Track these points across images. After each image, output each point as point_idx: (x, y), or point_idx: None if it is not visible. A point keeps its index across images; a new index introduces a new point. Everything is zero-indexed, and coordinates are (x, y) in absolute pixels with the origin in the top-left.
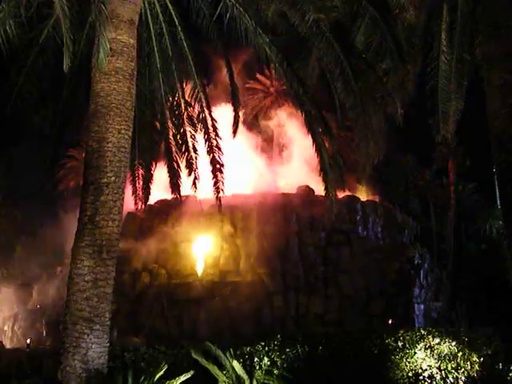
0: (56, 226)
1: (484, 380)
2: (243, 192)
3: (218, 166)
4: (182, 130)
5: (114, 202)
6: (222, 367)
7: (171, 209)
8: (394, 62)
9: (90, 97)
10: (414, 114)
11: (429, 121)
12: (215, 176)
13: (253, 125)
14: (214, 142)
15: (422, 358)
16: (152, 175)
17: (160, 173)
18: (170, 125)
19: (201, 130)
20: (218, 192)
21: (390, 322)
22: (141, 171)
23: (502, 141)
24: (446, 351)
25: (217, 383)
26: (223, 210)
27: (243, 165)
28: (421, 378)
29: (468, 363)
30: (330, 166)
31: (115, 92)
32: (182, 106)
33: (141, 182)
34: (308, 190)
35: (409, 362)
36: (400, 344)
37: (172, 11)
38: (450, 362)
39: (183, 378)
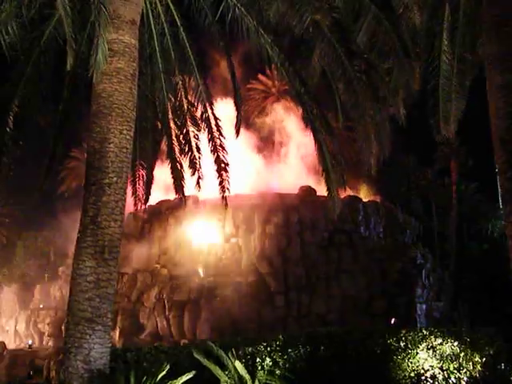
0: (58, 227)
1: (486, 380)
2: (242, 192)
3: (222, 165)
4: (184, 130)
5: (116, 202)
6: (223, 367)
7: (173, 209)
8: (399, 60)
9: (91, 97)
10: (416, 113)
11: (430, 121)
12: (220, 175)
13: (252, 124)
14: (218, 142)
15: (424, 359)
16: (153, 176)
17: (159, 173)
18: (173, 125)
19: (204, 130)
20: (224, 191)
21: (392, 321)
22: (141, 172)
23: (504, 141)
24: (448, 351)
25: (219, 383)
26: (226, 210)
27: (242, 164)
28: (423, 378)
29: (470, 363)
30: (332, 166)
31: (117, 93)
32: (185, 105)
33: (141, 183)
34: (310, 190)
35: (411, 363)
36: (402, 344)
37: (174, 11)
38: (453, 362)
39: (185, 378)
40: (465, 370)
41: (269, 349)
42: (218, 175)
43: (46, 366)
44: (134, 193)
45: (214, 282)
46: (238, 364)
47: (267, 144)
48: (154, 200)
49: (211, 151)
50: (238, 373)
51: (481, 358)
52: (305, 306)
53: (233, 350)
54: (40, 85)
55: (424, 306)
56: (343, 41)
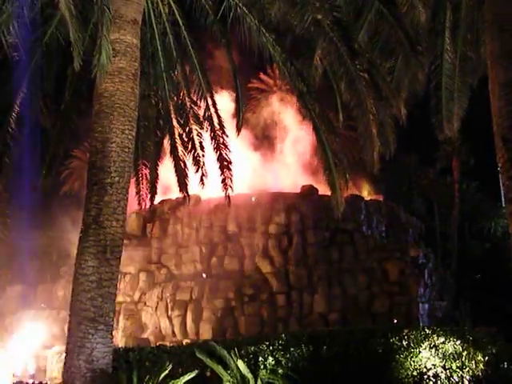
0: (60, 226)
1: (489, 379)
2: (241, 191)
3: (225, 163)
4: (187, 129)
5: (118, 202)
6: (226, 367)
7: (175, 208)
8: (405, 55)
9: (93, 97)
10: (418, 112)
11: (432, 120)
12: (223, 173)
13: (251, 123)
14: (221, 140)
15: (427, 357)
16: (157, 175)
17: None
18: (176, 124)
19: (207, 128)
20: (226, 189)
21: (395, 321)
22: (145, 171)
23: (507, 139)
24: (450, 350)
25: (221, 383)
26: (227, 210)
27: (241, 163)
28: (425, 377)
29: (473, 362)
30: (335, 165)
31: (119, 92)
32: (187, 104)
33: (145, 182)
34: (311, 189)
35: (413, 361)
36: (404, 343)
37: (175, 10)
38: (455, 361)
39: (188, 377)
40: (467, 368)
41: (271, 348)
42: (220, 173)
43: (48, 365)
44: (138, 192)
45: (216, 281)
46: (240, 363)
47: (265, 141)
48: (155, 199)
49: (214, 149)
50: (240, 372)
51: (483, 357)
52: (307, 305)
53: (235, 349)
54: (42, 85)
55: (426, 306)
56: (345, 39)
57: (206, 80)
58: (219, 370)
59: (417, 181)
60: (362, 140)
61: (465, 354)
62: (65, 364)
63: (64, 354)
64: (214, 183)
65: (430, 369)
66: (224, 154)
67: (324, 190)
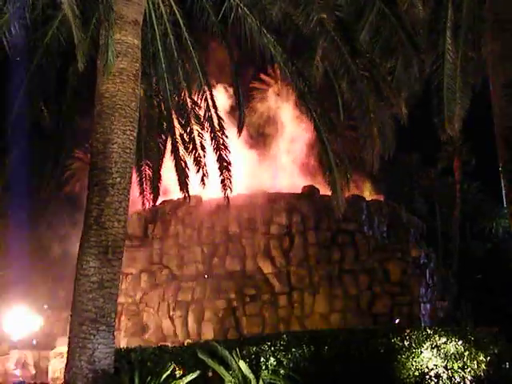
0: (61, 227)
1: (491, 379)
2: (242, 191)
3: (225, 164)
4: (188, 129)
5: (120, 202)
6: (228, 367)
7: (176, 209)
8: (405, 54)
9: (95, 98)
10: (419, 112)
11: (434, 120)
12: (222, 174)
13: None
14: (221, 140)
15: (429, 358)
16: (160, 175)
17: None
18: (177, 124)
19: (207, 129)
20: (226, 190)
21: (396, 321)
22: (148, 171)
23: (508, 139)
24: (452, 350)
25: (223, 383)
26: (229, 210)
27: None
28: (427, 377)
29: (475, 362)
30: (336, 165)
31: (120, 93)
32: (189, 104)
33: (148, 182)
34: (313, 190)
35: (415, 362)
36: (406, 343)
37: (176, 11)
38: (457, 361)
39: (189, 377)
40: (469, 368)
41: (273, 348)
42: (220, 174)
43: (50, 365)
44: (142, 192)
45: (217, 282)
46: (242, 364)
47: (263, 141)
48: (158, 200)
49: (214, 150)
50: (242, 372)
51: (485, 357)
52: (308, 305)
53: (237, 349)
54: (42, 85)
55: (428, 306)
56: (346, 39)
57: (206, 80)
58: (221, 370)
59: (418, 181)
60: (363, 140)
61: (466, 354)
62: (66, 364)
63: (65, 355)
64: (215, 183)
65: (432, 369)
66: (224, 155)
67: (323, 189)
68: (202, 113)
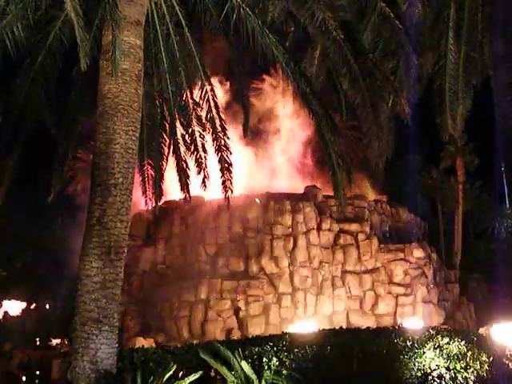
0: (64, 227)
1: (493, 380)
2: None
3: (226, 165)
4: (190, 130)
5: (122, 203)
6: (230, 367)
7: (178, 209)
8: (405, 55)
9: (97, 98)
10: (422, 112)
11: (436, 119)
12: (223, 175)
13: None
14: (222, 142)
15: (431, 358)
16: (163, 175)
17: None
18: (179, 125)
19: (209, 130)
20: (227, 191)
21: (398, 321)
22: (150, 172)
23: (511, 139)
24: (455, 351)
25: (226, 383)
26: (232, 211)
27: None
28: (430, 377)
29: (477, 363)
30: (339, 165)
31: (122, 93)
32: (190, 105)
33: (150, 183)
34: (316, 190)
35: (418, 362)
36: (409, 344)
37: (179, 12)
38: (460, 361)
39: (192, 378)
40: (472, 369)
41: (275, 349)
42: (221, 175)
43: (53, 366)
44: (144, 192)
45: (221, 282)
46: (244, 364)
47: (261, 139)
48: (160, 200)
49: (215, 151)
50: (244, 373)
51: (488, 357)
52: (311, 306)
53: (239, 349)
54: (46, 86)
55: (430, 306)
56: (349, 39)
57: (208, 81)
58: (223, 370)
59: (420, 181)
60: (366, 140)
61: (469, 354)
62: (69, 364)
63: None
64: (218, 184)
65: (435, 369)
66: (225, 156)
67: (323, 189)
68: (203, 114)
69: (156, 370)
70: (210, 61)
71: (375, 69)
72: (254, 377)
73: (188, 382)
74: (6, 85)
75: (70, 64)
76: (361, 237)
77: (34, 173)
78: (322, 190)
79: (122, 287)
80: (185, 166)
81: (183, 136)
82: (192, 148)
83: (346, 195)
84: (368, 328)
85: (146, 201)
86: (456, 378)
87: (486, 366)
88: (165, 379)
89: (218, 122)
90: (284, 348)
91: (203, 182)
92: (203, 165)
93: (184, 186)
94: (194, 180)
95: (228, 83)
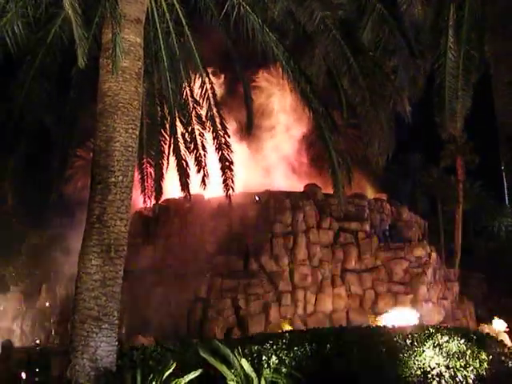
0: (63, 225)
1: (493, 378)
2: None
3: (227, 163)
4: (190, 129)
5: (122, 201)
6: (230, 366)
7: (179, 208)
8: (403, 58)
9: (97, 96)
10: (422, 111)
11: (436, 118)
12: (224, 173)
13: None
14: (223, 140)
15: (431, 356)
16: (163, 174)
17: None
18: (179, 123)
19: (209, 128)
20: (228, 189)
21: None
22: (150, 170)
23: (510, 138)
24: (454, 349)
25: (225, 381)
26: (232, 209)
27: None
28: (429, 376)
29: (477, 361)
30: (339, 164)
31: (122, 91)
32: (190, 104)
33: (150, 181)
34: (316, 188)
35: (417, 360)
36: (408, 342)
37: (179, 10)
38: (459, 359)
39: (191, 376)
40: (471, 367)
41: (275, 347)
42: (222, 174)
43: (52, 364)
44: (144, 190)
45: (220, 280)
46: (244, 362)
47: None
48: (160, 198)
49: (216, 149)
50: (244, 371)
51: (487, 356)
52: (311, 304)
53: (239, 348)
54: (46, 84)
55: (430, 304)
56: (349, 38)
57: (208, 79)
58: (223, 368)
59: (420, 179)
60: (366, 138)
61: (469, 352)
62: (69, 362)
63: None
64: (217, 182)
65: (434, 368)
66: (226, 154)
67: (324, 187)
68: (203, 112)
69: (156, 367)
70: (205, 51)
71: (375, 67)
72: (253, 375)
73: (187, 379)
74: (7, 83)
75: (70, 62)
76: (361, 235)
77: (34, 172)
78: (321, 188)
79: (121, 285)
80: (185, 164)
81: (183, 134)
82: (192, 146)
83: (345, 194)
84: (368, 326)
85: (145, 199)
86: (455, 376)
87: (485, 365)
88: (164, 377)
89: (218, 120)
90: (284, 346)
91: (203, 180)
92: (203, 163)
93: (184, 184)
94: (194, 178)
95: (222, 76)
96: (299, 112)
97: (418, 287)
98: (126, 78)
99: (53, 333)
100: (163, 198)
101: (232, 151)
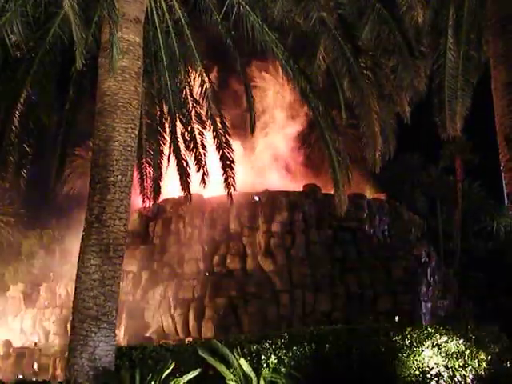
0: (62, 225)
1: (492, 378)
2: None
3: (228, 162)
4: (190, 128)
5: (121, 200)
6: (229, 365)
7: (177, 207)
8: (403, 59)
9: (96, 96)
10: (422, 111)
11: (435, 118)
12: (225, 172)
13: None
14: (224, 139)
15: (430, 356)
16: (161, 173)
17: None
18: (178, 122)
19: (209, 127)
20: (229, 188)
21: (396, 319)
22: (148, 169)
23: (509, 138)
24: (453, 349)
25: (224, 381)
26: (230, 208)
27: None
28: (428, 375)
29: (475, 361)
30: (338, 163)
31: (122, 91)
32: (190, 103)
33: (149, 181)
34: (315, 188)
35: (416, 360)
36: (407, 342)
37: (178, 9)
38: (458, 359)
39: (190, 375)
40: (470, 367)
41: (274, 346)
42: (223, 173)
43: (51, 363)
44: (142, 190)
45: (218, 280)
46: (243, 362)
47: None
48: (159, 198)
49: (216, 148)
50: (243, 370)
51: (486, 356)
52: (309, 304)
53: (238, 347)
54: (45, 83)
55: (429, 304)
56: (348, 37)
57: (208, 78)
58: (222, 368)
59: (420, 179)
60: (365, 138)
61: (467, 352)
62: (67, 362)
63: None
64: (216, 182)
65: (433, 368)
66: (227, 153)
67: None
68: (203, 111)
69: (154, 367)
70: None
71: (375, 67)
72: (252, 375)
73: (186, 379)
74: (6, 82)
75: (69, 61)
76: (360, 235)
77: (33, 172)
78: (320, 187)
79: (120, 285)
80: (185, 164)
81: (182, 134)
82: (191, 146)
83: (345, 193)
84: (366, 326)
85: (144, 199)
86: (454, 376)
87: (484, 365)
88: (163, 377)
89: (218, 119)
90: (282, 346)
91: (202, 179)
92: (202, 162)
93: (184, 184)
94: (193, 177)
95: (215, 69)
96: (295, 109)
97: (417, 287)
98: (126, 78)
99: (52, 333)
100: (163, 197)
101: (233, 150)
